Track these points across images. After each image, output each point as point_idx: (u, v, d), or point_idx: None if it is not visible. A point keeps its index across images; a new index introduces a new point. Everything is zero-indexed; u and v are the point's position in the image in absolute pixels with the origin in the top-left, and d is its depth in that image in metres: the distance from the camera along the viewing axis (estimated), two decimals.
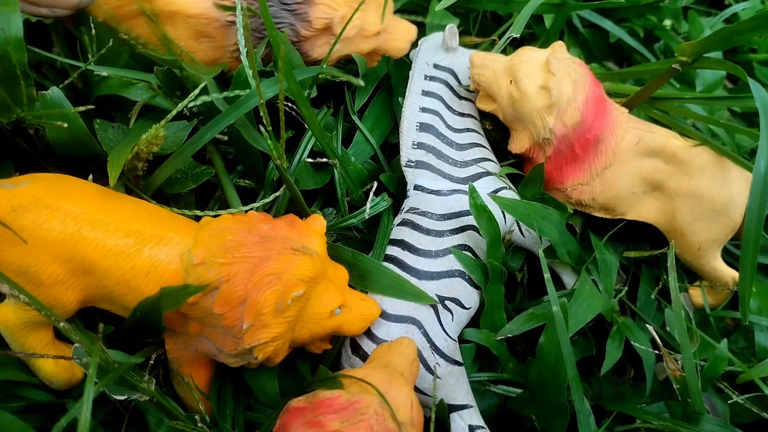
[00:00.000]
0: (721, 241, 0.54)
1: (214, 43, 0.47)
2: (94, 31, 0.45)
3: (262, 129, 0.40)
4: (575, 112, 0.50)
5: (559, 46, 0.53)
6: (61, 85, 0.42)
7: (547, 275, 0.44)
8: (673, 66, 0.50)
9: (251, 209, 0.45)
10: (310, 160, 0.49)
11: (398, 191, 0.54)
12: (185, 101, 0.40)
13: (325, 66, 0.49)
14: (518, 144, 0.54)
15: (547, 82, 0.50)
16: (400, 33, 0.52)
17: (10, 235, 0.38)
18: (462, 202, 0.51)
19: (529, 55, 0.52)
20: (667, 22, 0.70)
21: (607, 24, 0.66)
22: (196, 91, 0.40)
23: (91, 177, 0.44)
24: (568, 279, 0.56)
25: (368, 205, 0.48)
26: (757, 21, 0.45)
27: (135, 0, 0.44)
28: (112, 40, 0.44)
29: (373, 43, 0.51)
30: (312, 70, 0.48)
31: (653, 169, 0.53)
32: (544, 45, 0.59)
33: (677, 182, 0.53)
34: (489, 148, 0.56)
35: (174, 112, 0.40)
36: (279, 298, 0.39)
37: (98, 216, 0.39)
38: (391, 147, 0.58)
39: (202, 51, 0.47)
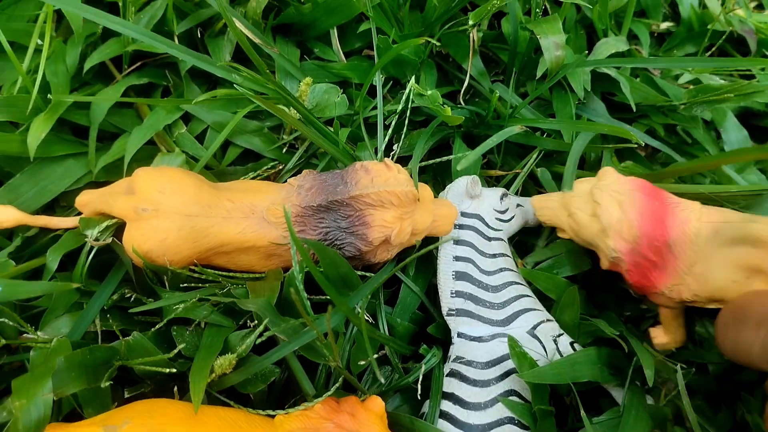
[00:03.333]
0: None
1: (283, 257, 0.55)
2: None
3: (318, 344, 0.46)
4: (631, 228, 0.53)
5: (602, 173, 0.57)
6: (149, 332, 0.51)
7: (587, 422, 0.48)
8: None
9: (317, 402, 0.50)
10: (362, 362, 0.54)
11: (445, 335, 0.59)
12: (250, 339, 0.47)
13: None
14: (602, 262, 0.58)
15: (595, 210, 0.54)
16: (445, 219, 0.57)
17: None
18: (504, 346, 0.55)
19: (579, 188, 0.57)
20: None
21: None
22: (260, 328, 0.47)
23: (176, 388, 0.51)
24: (617, 393, 0.59)
25: (420, 377, 0.53)
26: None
27: (211, 247, 0.51)
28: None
29: (424, 234, 0.57)
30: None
31: (745, 256, 0.52)
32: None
33: None
34: (523, 282, 0.60)
35: (240, 351, 0.47)
36: None
37: None
38: (435, 288, 0.61)
39: (272, 264, 0.55)
